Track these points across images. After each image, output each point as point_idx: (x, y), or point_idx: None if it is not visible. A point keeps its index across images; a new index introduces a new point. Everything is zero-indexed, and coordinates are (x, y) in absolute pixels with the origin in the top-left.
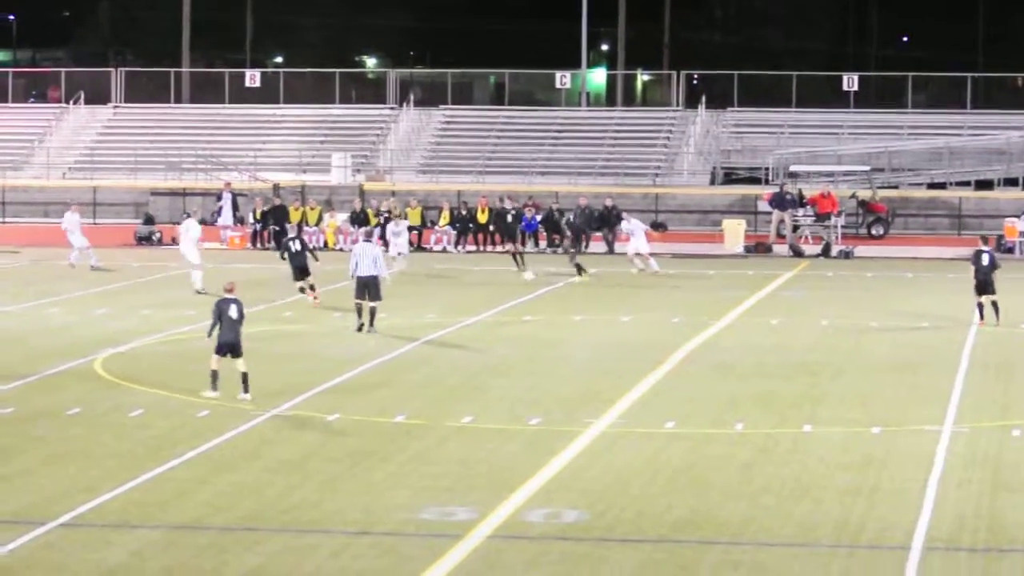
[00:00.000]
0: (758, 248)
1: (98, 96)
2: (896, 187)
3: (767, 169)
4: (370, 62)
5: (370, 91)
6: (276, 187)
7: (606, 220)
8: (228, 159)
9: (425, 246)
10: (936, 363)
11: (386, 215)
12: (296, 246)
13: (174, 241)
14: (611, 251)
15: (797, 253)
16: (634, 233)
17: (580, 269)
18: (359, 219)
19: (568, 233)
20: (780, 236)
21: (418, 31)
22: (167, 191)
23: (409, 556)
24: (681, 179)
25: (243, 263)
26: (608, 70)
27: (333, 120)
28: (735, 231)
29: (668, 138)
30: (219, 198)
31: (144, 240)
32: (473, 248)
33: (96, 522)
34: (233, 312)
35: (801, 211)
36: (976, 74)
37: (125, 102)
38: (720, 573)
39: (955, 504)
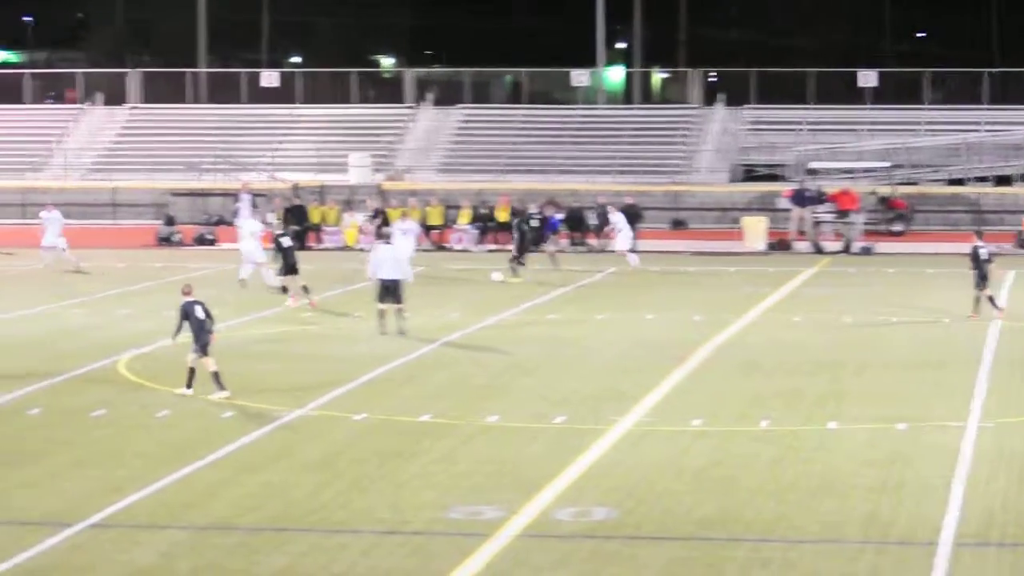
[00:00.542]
0: (779, 245)
1: (115, 97)
2: (915, 183)
3: (786, 166)
4: (386, 61)
5: (387, 90)
6: (296, 187)
7: (627, 218)
8: (246, 159)
9: (446, 245)
10: (959, 359)
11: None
12: (287, 242)
13: (195, 242)
14: (632, 249)
15: (818, 250)
16: (620, 228)
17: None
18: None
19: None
20: (801, 233)
21: (433, 30)
22: (187, 192)
23: (438, 555)
24: (700, 177)
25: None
26: (625, 68)
27: (351, 120)
28: (756, 228)
29: (686, 136)
30: (237, 199)
31: (165, 241)
32: (494, 247)
33: (124, 523)
34: (200, 313)
35: (822, 208)
36: (993, 69)
37: (142, 103)
38: (749, 571)
39: (983, 499)
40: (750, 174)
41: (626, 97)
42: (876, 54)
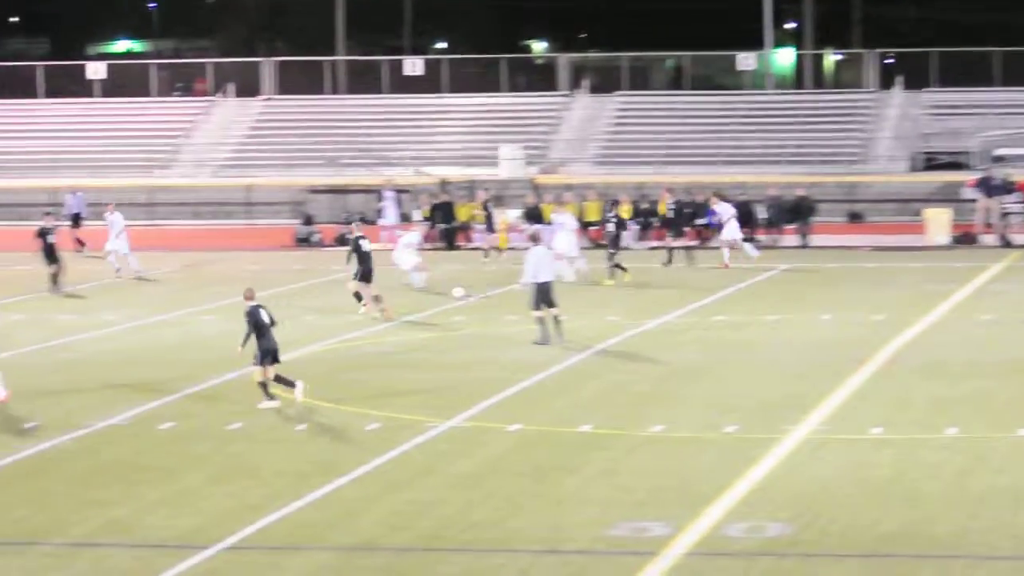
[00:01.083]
0: (964, 239)
1: (247, 88)
2: None
3: (970, 153)
4: (538, 46)
5: (539, 77)
6: (443, 182)
7: (798, 212)
8: (389, 153)
9: (602, 242)
10: None
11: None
12: (367, 246)
13: (335, 242)
14: (804, 245)
15: (1006, 243)
16: (726, 219)
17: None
18: (533, 215)
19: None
20: (987, 225)
21: (589, 11)
22: (326, 188)
23: (600, 575)
24: (878, 166)
25: None
26: (795, 50)
27: (501, 109)
28: (939, 221)
29: (862, 122)
30: (381, 196)
31: (303, 242)
32: (657, 244)
33: (263, 545)
34: (265, 317)
35: (1010, 198)
36: None
37: (277, 94)
38: None
39: None
40: (932, 163)
41: (796, 81)
42: None
